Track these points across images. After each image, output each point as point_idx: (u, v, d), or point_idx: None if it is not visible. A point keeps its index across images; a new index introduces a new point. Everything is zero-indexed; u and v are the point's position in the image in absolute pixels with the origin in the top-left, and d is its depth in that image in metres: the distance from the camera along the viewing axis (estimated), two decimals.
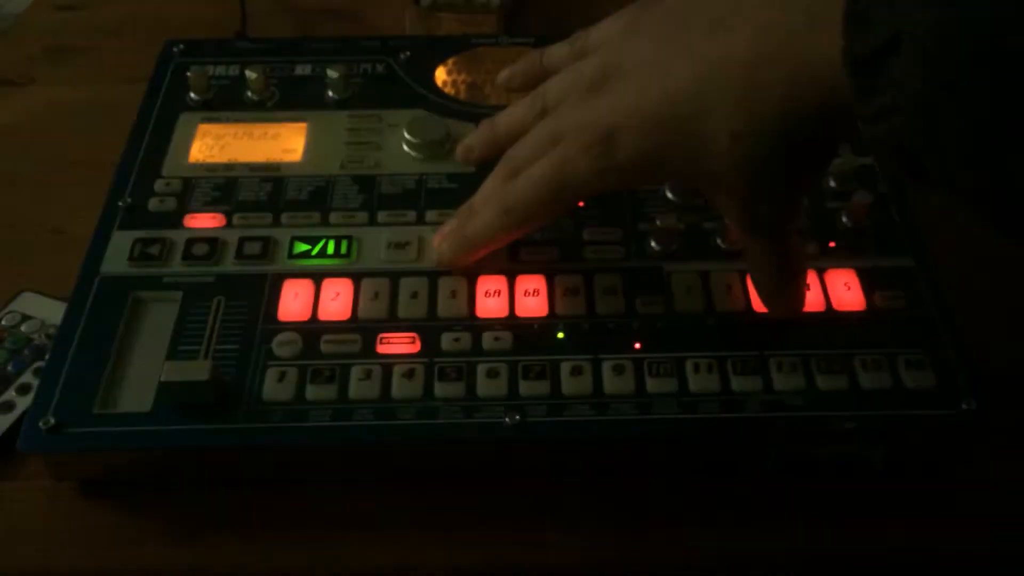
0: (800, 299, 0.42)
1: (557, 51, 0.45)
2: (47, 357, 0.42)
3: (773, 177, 0.36)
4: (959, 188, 0.29)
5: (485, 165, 0.46)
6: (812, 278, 0.45)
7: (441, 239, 0.45)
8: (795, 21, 0.32)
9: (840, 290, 0.44)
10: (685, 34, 0.37)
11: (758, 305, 0.43)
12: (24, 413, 0.43)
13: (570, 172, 0.40)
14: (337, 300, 0.44)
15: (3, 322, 0.48)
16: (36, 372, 0.45)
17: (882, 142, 0.30)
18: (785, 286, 0.41)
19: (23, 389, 0.45)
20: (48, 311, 0.48)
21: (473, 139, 0.47)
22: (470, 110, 0.54)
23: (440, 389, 0.41)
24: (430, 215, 0.48)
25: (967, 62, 0.26)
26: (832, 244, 0.46)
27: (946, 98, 0.27)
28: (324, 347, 0.42)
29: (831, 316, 0.44)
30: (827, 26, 0.30)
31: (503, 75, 0.49)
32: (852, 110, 0.30)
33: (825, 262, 0.45)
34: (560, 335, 0.43)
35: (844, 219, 0.47)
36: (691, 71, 0.36)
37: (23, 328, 0.47)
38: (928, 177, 0.29)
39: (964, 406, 0.40)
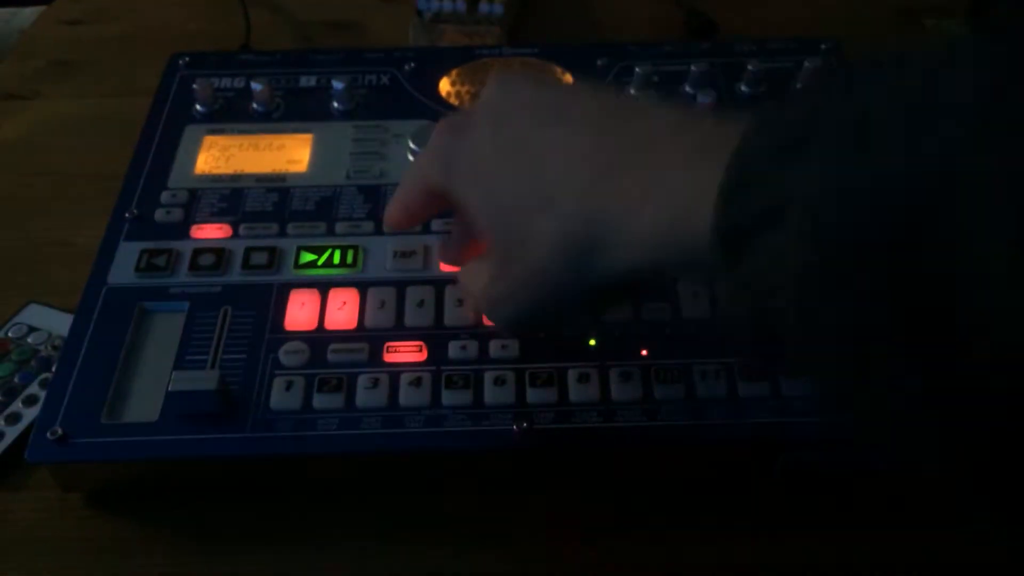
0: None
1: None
2: (54, 368, 0.42)
3: (571, 293, 0.35)
4: (817, 380, 0.27)
5: None
6: None
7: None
8: (672, 162, 0.30)
9: None
10: (571, 124, 0.35)
11: None
12: (31, 424, 0.43)
13: (418, 171, 0.39)
14: (344, 309, 0.44)
15: (10, 334, 0.48)
16: (43, 384, 0.45)
17: (738, 315, 0.28)
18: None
19: (30, 400, 0.45)
20: (54, 323, 0.48)
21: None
22: None
23: (448, 397, 0.41)
24: (435, 224, 0.48)
25: (858, 250, 0.23)
26: None
27: (825, 283, 0.24)
28: (331, 356, 0.42)
29: None
30: (703, 183, 0.27)
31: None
32: (710, 272, 0.28)
33: None
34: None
35: None
36: (552, 169, 0.33)
37: (30, 340, 0.47)
38: (783, 361, 0.27)
39: None
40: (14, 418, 0.44)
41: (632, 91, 0.55)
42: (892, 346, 0.23)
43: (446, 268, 0.45)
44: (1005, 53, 0.23)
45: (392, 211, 0.41)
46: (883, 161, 0.23)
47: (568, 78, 0.57)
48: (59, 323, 0.48)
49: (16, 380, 0.45)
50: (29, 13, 0.97)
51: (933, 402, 0.23)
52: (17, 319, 0.48)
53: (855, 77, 0.26)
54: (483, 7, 0.65)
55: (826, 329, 0.25)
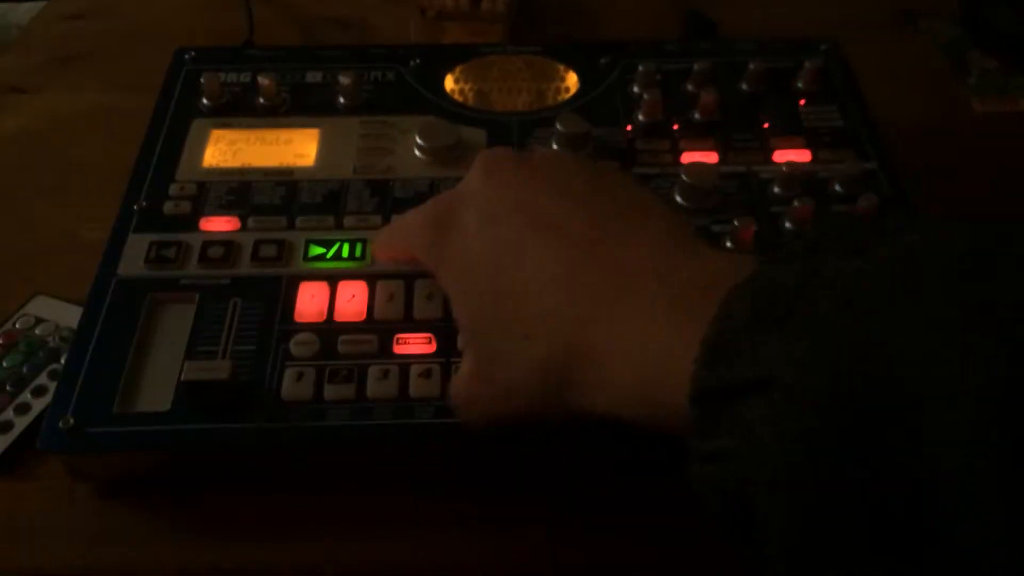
0: None
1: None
2: (65, 358, 0.43)
3: (518, 420, 0.36)
4: (775, 557, 0.26)
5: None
6: None
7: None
8: (654, 321, 0.30)
9: None
10: (564, 234, 0.35)
11: None
12: (40, 414, 0.43)
13: (407, 234, 0.42)
14: (353, 301, 0.45)
15: (17, 325, 0.48)
16: (51, 374, 0.45)
17: (708, 484, 0.27)
18: None
19: (38, 391, 0.45)
20: (62, 314, 0.48)
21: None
22: (477, 116, 0.55)
23: None
24: None
25: (842, 436, 0.23)
26: None
27: (802, 464, 0.24)
28: (341, 347, 0.43)
29: None
30: (684, 344, 0.27)
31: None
32: (678, 433, 0.28)
33: None
34: None
35: (788, 224, 0.48)
36: (540, 270, 0.35)
37: (37, 331, 0.48)
38: (747, 535, 0.26)
39: None
40: (23, 408, 0.44)
41: (635, 89, 0.55)
42: (861, 542, 0.23)
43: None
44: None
45: (380, 250, 0.45)
46: (863, 340, 0.23)
47: (571, 75, 0.58)
48: (66, 314, 0.48)
49: (24, 371, 0.46)
50: (26, 8, 0.97)
51: None
52: (24, 310, 0.49)
53: (836, 252, 0.26)
54: (486, 5, 0.66)
55: (796, 514, 0.24)
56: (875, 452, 0.22)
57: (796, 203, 0.47)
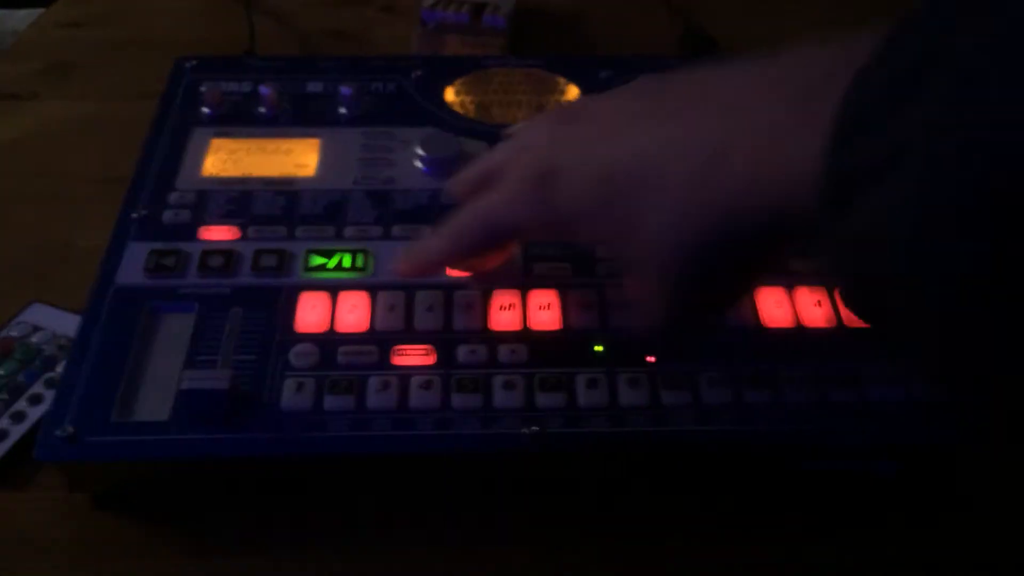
0: None
1: (502, 150, 0.43)
2: (63, 366, 0.42)
3: (700, 275, 0.33)
4: (921, 343, 0.26)
5: None
6: (822, 294, 0.45)
7: (404, 250, 0.45)
8: (778, 116, 0.29)
9: None
10: (661, 102, 0.35)
11: (769, 320, 0.44)
12: (36, 423, 0.43)
13: (504, 206, 0.38)
14: (354, 312, 0.44)
15: (13, 333, 0.47)
16: (47, 383, 0.45)
17: (844, 270, 0.27)
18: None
19: (34, 399, 0.44)
20: (58, 322, 0.48)
21: (458, 177, 0.45)
22: (478, 128, 0.55)
23: (457, 400, 0.41)
24: None
25: (982, 203, 0.22)
26: None
27: (940, 236, 0.23)
28: (341, 358, 0.43)
29: (841, 330, 0.44)
30: (812, 129, 0.26)
31: (450, 184, 0.45)
32: (814, 225, 0.26)
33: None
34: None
35: None
36: (650, 138, 0.34)
37: (33, 339, 0.47)
38: (888, 321, 0.26)
39: (976, 422, 0.41)
40: (19, 417, 0.44)
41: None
42: (999, 304, 0.22)
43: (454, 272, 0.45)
44: None
45: (428, 250, 0.42)
46: (1007, 99, 0.22)
47: (571, 88, 0.58)
48: (62, 322, 0.48)
49: (20, 379, 0.45)
50: (23, 16, 0.97)
51: None
52: (20, 318, 0.48)
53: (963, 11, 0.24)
54: (487, 18, 0.66)
55: (933, 283, 0.23)
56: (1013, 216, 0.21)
57: None
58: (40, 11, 0.77)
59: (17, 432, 0.43)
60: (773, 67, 0.31)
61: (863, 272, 0.26)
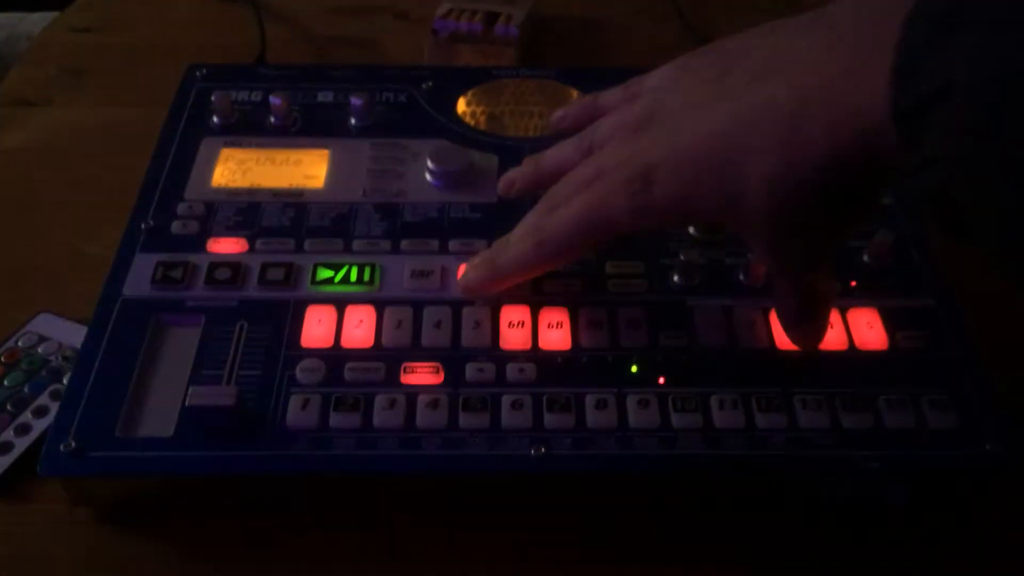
0: (819, 336, 0.42)
1: (610, 95, 0.46)
2: (67, 379, 0.42)
3: (806, 226, 0.36)
4: (1001, 249, 0.28)
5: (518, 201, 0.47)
6: (835, 316, 0.45)
7: (470, 267, 0.45)
8: (840, 66, 0.32)
9: (863, 329, 0.45)
10: (730, 77, 0.37)
11: (782, 342, 0.44)
12: (41, 436, 0.42)
13: (605, 208, 0.39)
14: (360, 327, 0.44)
15: (20, 343, 0.47)
16: (53, 395, 0.45)
17: (924, 195, 0.29)
18: (804, 323, 0.42)
19: (40, 412, 0.44)
20: (65, 333, 0.48)
21: (516, 173, 0.47)
22: (489, 141, 0.54)
23: (465, 420, 0.41)
24: (453, 244, 0.48)
25: (1019, 116, 0.25)
26: (853, 283, 0.47)
27: (993, 151, 0.26)
28: (348, 375, 0.42)
29: (854, 355, 0.44)
30: (874, 72, 0.29)
31: (556, 115, 0.49)
32: (895, 161, 0.30)
33: (847, 301, 0.46)
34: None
35: (865, 258, 0.48)
36: (731, 113, 0.36)
37: (40, 350, 0.47)
38: (970, 235, 0.29)
39: (988, 447, 0.40)
40: (23, 429, 0.43)
41: None
42: None
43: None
44: None
45: (515, 259, 0.43)
46: None
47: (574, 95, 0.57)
48: (70, 333, 0.48)
49: (26, 390, 0.45)
50: (36, 19, 0.97)
51: None
52: (27, 328, 0.48)
53: None
54: (499, 28, 0.65)
55: (999, 196, 0.27)
56: None
57: None
58: (54, 14, 0.77)
59: (22, 445, 0.43)
60: (824, 21, 0.35)
61: (940, 192, 0.29)
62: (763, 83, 0.35)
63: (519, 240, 0.43)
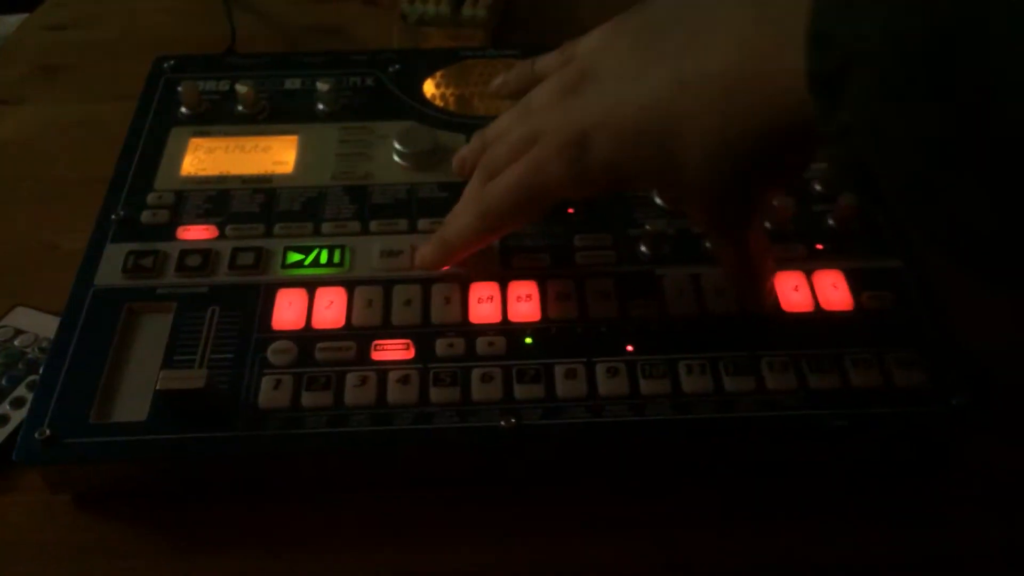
0: (764, 294, 0.43)
1: (547, 59, 0.46)
2: (41, 368, 0.42)
3: (741, 190, 0.37)
4: (909, 215, 0.29)
5: None
6: (800, 279, 0.45)
7: (423, 244, 0.46)
8: (767, 40, 0.33)
9: (828, 290, 0.45)
10: (662, 43, 0.37)
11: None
12: (18, 427, 0.43)
13: (542, 174, 0.40)
14: (331, 308, 0.44)
15: None
16: (30, 386, 0.45)
17: (841, 163, 0.30)
18: (751, 282, 0.42)
19: (17, 403, 0.45)
20: (41, 325, 0.48)
21: (466, 150, 0.48)
22: (458, 121, 0.55)
23: (435, 394, 0.41)
24: (422, 224, 0.48)
25: (913, 79, 0.26)
26: (819, 246, 0.47)
27: (893, 116, 0.27)
28: (319, 355, 0.43)
29: (820, 316, 0.44)
30: (794, 45, 0.30)
31: (495, 83, 0.49)
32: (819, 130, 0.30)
33: (813, 264, 0.46)
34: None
35: (831, 222, 0.48)
36: (666, 83, 0.36)
37: (16, 342, 0.47)
38: (884, 202, 0.30)
39: (955, 402, 0.41)
40: (1, 420, 0.44)
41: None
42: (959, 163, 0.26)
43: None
44: None
45: (460, 232, 0.44)
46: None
47: None
48: (46, 326, 0.48)
49: (3, 382, 0.45)
50: (12, 22, 0.97)
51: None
52: (3, 322, 0.48)
53: None
54: (467, 10, 0.66)
55: (902, 162, 0.28)
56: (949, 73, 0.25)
57: (776, 203, 0.47)
58: (27, 14, 0.77)
59: (0, 436, 0.43)
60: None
61: (856, 161, 0.29)
62: (696, 53, 0.35)
63: (462, 212, 0.44)
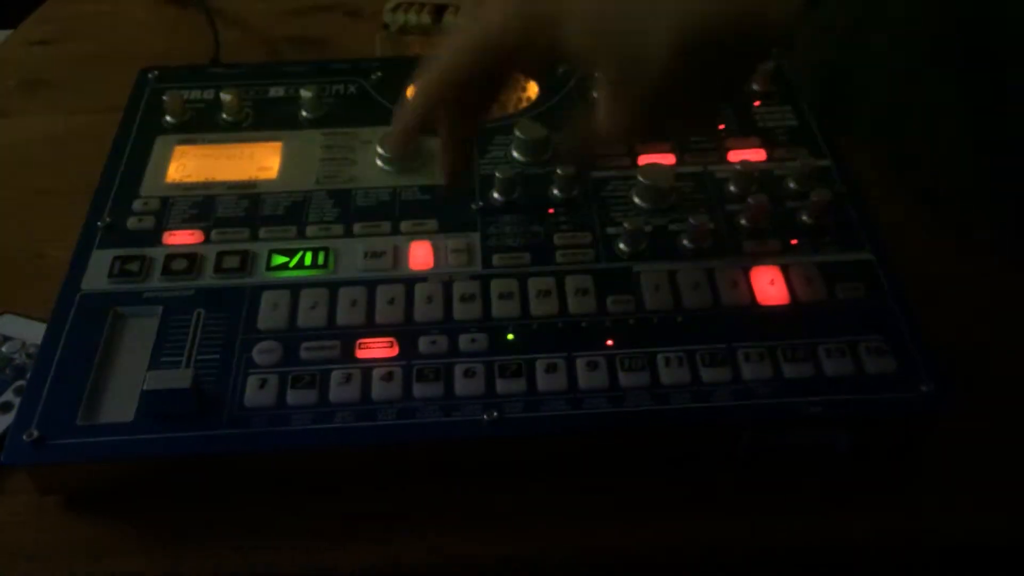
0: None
1: None
2: (29, 371, 0.43)
3: (693, 79, 0.36)
4: (874, 136, 0.32)
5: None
6: (776, 273, 0.46)
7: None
8: None
9: (802, 283, 0.46)
10: None
11: (727, 299, 0.45)
12: (6, 431, 0.43)
13: (497, 25, 0.38)
14: (315, 309, 0.45)
15: None
16: (17, 391, 0.46)
17: (814, 69, 0.33)
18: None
19: (5, 407, 0.45)
20: (29, 332, 0.49)
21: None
22: None
23: (419, 390, 0.42)
24: (405, 226, 0.49)
25: None
26: (794, 241, 0.48)
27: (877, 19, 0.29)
28: (304, 354, 0.43)
29: (795, 308, 0.45)
30: None
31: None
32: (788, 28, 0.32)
33: (788, 258, 0.47)
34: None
35: (804, 217, 0.49)
36: None
37: (3, 348, 0.48)
38: (851, 126, 0.32)
39: (923, 388, 0.42)
40: None
41: (594, 95, 0.56)
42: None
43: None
44: None
45: (419, 93, 0.41)
46: None
47: (531, 85, 0.59)
48: (33, 332, 0.48)
49: None
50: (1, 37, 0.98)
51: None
52: None
53: None
54: (448, 19, 0.67)
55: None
56: None
57: (750, 200, 0.48)
58: (10, 31, 0.78)
59: None
60: None
61: (831, 55, 0.31)
62: None
63: (427, 68, 0.41)
